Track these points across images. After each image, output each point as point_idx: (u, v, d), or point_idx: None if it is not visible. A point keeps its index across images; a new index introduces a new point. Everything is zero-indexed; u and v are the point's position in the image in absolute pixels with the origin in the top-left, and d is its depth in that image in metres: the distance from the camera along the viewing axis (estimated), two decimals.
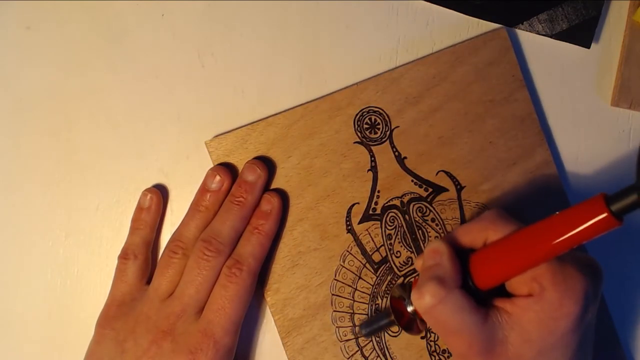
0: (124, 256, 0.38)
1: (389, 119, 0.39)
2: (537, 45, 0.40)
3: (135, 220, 0.39)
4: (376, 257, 0.38)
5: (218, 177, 0.38)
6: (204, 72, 0.40)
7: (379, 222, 0.39)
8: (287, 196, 0.38)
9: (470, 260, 0.32)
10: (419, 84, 0.39)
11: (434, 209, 0.39)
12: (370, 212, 0.39)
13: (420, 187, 0.39)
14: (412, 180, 0.39)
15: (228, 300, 0.35)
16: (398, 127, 0.39)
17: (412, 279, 0.38)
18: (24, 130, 0.39)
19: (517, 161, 0.39)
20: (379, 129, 0.39)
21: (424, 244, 0.39)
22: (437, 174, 0.39)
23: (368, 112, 0.39)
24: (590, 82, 0.41)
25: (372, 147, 0.39)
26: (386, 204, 0.39)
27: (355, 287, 0.38)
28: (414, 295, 0.32)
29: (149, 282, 0.38)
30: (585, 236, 0.28)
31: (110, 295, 0.38)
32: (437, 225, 0.39)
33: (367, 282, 0.38)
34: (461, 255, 0.33)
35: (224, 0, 0.40)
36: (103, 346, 0.36)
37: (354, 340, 0.38)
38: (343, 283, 0.38)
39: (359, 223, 0.38)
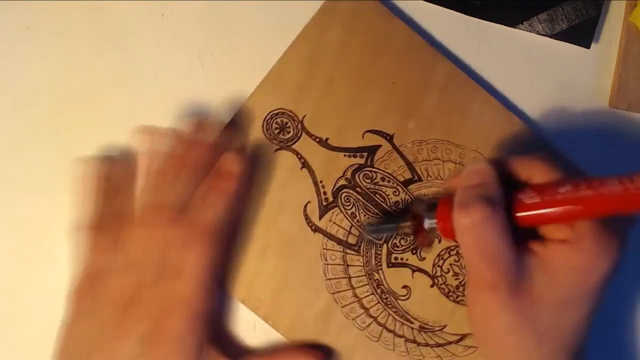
0: (87, 228, 0.37)
1: (293, 113, 0.39)
2: (536, 46, 0.40)
3: (99, 192, 0.38)
4: (352, 240, 0.38)
5: (153, 138, 0.37)
6: (204, 72, 0.40)
7: (336, 208, 0.39)
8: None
9: (514, 194, 0.31)
10: (301, 67, 0.38)
11: (377, 168, 0.39)
12: (324, 203, 0.38)
13: (355, 156, 0.39)
14: (345, 155, 0.39)
15: (196, 265, 0.35)
16: (305, 115, 0.38)
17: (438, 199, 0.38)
18: (24, 130, 0.39)
19: (426, 85, 0.39)
20: (289, 126, 0.38)
21: (386, 204, 0.39)
22: (363, 137, 0.39)
23: (271, 117, 0.39)
24: (589, 83, 0.41)
25: (293, 147, 0.38)
26: (334, 189, 0.39)
27: (349, 276, 0.38)
28: (458, 212, 0.30)
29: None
30: None
31: (80, 269, 0.37)
32: (389, 181, 0.39)
33: (357, 266, 0.38)
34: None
35: (224, 0, 0.40)
36: (74, 321, 0.36)
37: (374, 322, 0.38)
38: (336, 278, 0.38)
39: (320, 219, 0.38)
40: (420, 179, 0.39)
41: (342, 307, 0.38)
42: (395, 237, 0.39)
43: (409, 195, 0.39)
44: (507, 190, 0.32)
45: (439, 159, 0.39)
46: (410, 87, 0.39)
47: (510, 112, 0.39)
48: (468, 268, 0.32)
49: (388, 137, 0.39)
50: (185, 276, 0.35)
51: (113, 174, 0.38)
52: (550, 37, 0.40)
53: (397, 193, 0.39)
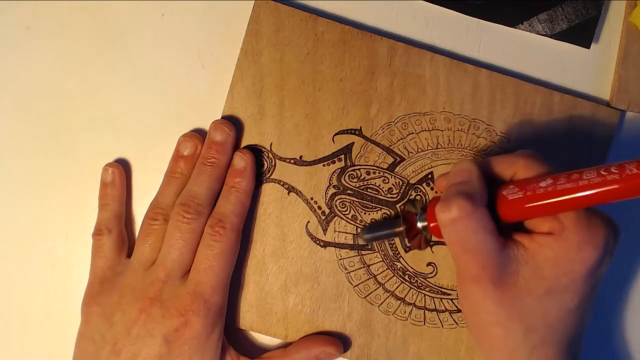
0: (97, 233, 0.37)
1: (260, 145, 0.39)
2: (536, 46, 0.40)
3: (102, 197, 0.38)
4: (362, 241, 0.39)
5: (190, 143, 0.38)
6: (204, 72, 0.40)
7: (336, 217, 0.39)
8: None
9: (498, 191, 0.32)
10: (249, 100, 0.38)
11: (359, 165, 0.39)
12: (323, 217, 0.39)
13: (333, 162, 0.39)
14: (323, 165, 0.39)
15: (215, 259, 0.35)
16: (272, 142, 0.39)
17: (430, 199, 0.37)
18: (24, 130, 0.39)
19: (373, 69, 0.39)
20: (261, 159, 0.39)
21: (381, 194, 0.39)
22: (333, 141, 0.39)
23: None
24: (589, 83, 0.41)
25: (272, 177, 0.39)
26: (327, 200, 0.39)
27: (373, 274, 0.39)
28: (439, 208, 0.31)
29: (128, 256, 0.37)
30: (624, 194, 0.28)
31: (91, 273, 0.37)
32: (374, 173, 0.39)
33: (377, 262, 0.39)
34: (488, 184, 0.33)
35: (224, 0, 0.40)
36: (92, 325, 0.36)
37: (414, 307, 0.38)
38: (363, 282, 0.39)
39: (325, 233, 0.39)
40: (402, 159, 0.39)
41: (378, 306, 0.38)
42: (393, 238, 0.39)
43: (398, 178, 0.39)
44: (492, 187, 0.32)
45: (412, 133, 0.39)
46: (358, 77, 0.39)
47: (461, 62, 0.39)
48: (454, 262, 0.33)
49: (357, 132, 0.39)
50: (208, 271, 0.35)
51: (116, 178, 0.38)
52: (550, 37, 0.40)
53: (386, 180, 0.39)
